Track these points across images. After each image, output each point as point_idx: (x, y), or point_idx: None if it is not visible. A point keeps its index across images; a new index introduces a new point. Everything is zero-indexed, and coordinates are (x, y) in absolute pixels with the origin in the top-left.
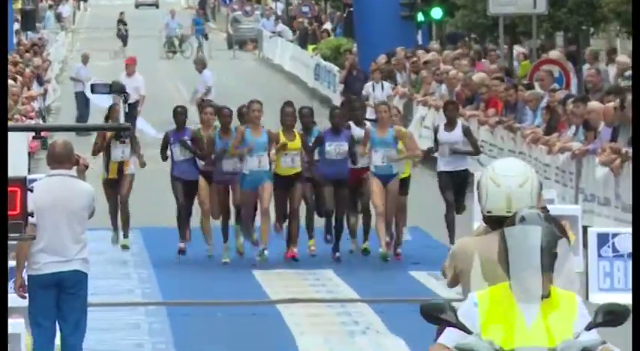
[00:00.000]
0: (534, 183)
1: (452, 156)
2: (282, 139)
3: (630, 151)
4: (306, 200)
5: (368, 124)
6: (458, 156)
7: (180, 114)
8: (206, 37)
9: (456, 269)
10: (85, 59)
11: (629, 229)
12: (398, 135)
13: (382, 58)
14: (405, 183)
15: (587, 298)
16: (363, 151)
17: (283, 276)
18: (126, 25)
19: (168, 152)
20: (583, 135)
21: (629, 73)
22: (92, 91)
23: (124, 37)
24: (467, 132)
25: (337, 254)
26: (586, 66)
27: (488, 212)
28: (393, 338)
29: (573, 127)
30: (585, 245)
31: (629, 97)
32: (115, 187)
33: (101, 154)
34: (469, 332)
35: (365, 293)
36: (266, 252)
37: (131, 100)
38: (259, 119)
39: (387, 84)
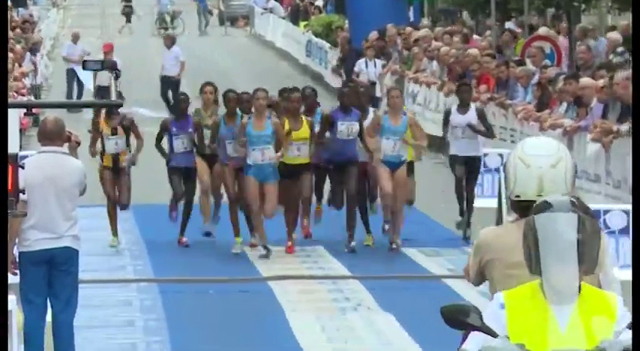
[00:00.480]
0: (568, 165)
1: (465, 140)
2: (288, 128)
3: (621, 127)
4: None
5: (372, 110)
6: (471, 141)
7: (182, 102)
8: (210, 13)
9: (482, 262)
10: (75, 38)
11: (621, 206)
12: (411, 123)
13: (374, 35)
14: (409, 167)
15: None
16: (372, 139)
17: (275, 253)
18: (130, 1)
19: (165, 143)
20: (574, 112)
21: (621, 49)
22: (84, 68)
23: (128, 15)
24: (481, 114)
25: (353, 244)
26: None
27: (516, 197)
28: (384, 315)
29: (564, 104)
30: None
31: (619, 73)
32: (112, 176)
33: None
34: (496, 336)
35: (356, 270)
36: (270, 254)
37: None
38: (264, 109)
39: (379, 61)
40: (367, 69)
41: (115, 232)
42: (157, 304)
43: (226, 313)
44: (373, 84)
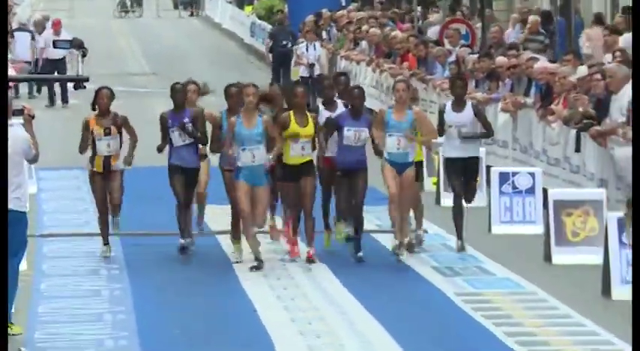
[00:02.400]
0: None
1: (462, 140)
2: (293, 125)
3: (527, 100)
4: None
5: (374, 107)
6: (469, 140)
7: (178, 92)
8: None
9: None
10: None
11: (527, 169)
12: (417, 118)
13: (310, 18)
14: (417, 168)
15: (489, 230)
16: (378, 135)
17: (227, 210)
18: None
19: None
20: (487, 86)
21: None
22: (54, 46)
23: None
24: (478, 112)
25: (360, 254)
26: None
27: None
28: (320, 265)
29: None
30: (488, 183)
31: (527, 53)
32: (102, 182)
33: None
34: None
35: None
36: (261, 267)
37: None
38: (254, 104)
39: (317, 44)
40: (307, 52)
41: (105, 241)
42: (119, 255)
43: (182, 264)
44: (312, 65)
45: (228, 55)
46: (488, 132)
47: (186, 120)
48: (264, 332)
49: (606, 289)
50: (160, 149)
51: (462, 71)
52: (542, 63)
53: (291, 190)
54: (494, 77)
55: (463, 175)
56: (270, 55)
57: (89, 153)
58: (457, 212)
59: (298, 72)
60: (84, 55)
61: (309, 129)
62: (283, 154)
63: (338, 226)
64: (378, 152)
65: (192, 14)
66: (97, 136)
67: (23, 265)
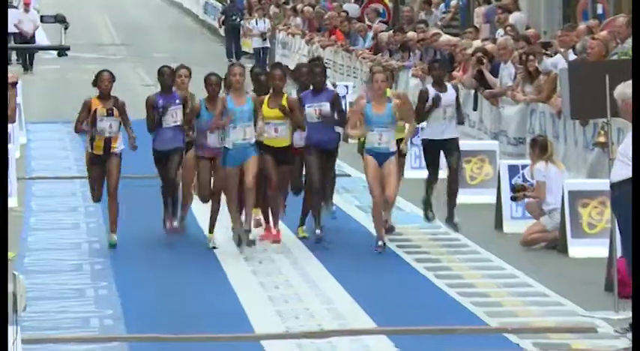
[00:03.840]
0: None
1: (444, 122)
2: (265, 108)
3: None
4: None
5: (360, 97)
6: (450, 122)
7: (165, 74)
8: None
9: None
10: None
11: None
12: (398, 109)
13: None
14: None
15: (501, 227)
16: (357, 133)
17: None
18: None
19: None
20: (400, 55)
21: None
22: (41, 21)
23: None
24: (458, 94)
25: (318, 231)
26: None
27: None
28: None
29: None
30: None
31: (433, 29)
32: (101, 165)
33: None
34: None
35: None
36: (251, 236)
37: (29, 30)
38: (241, 84)
39: (266, 19)
40: (257, 25)
41: (113, 229)
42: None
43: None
44: (264, 35)
45: (186, 29)
46: (459, 117)
47: (177, 101)
48: (240, 309)
49: (499, 224)
50: (151, 130)
51: (380, 43)
52: (446, 36)
53: (269, 165)
54: (406, 48)
55: (444, 155)
56: (223, 29)
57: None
58: (431, 183)
59: (250, 43)
60: (66, 28)
61: (278, 111)
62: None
63: (299, 230)
64: (345, 138)
65: None
66: (99, 117)
67: (15, 203)
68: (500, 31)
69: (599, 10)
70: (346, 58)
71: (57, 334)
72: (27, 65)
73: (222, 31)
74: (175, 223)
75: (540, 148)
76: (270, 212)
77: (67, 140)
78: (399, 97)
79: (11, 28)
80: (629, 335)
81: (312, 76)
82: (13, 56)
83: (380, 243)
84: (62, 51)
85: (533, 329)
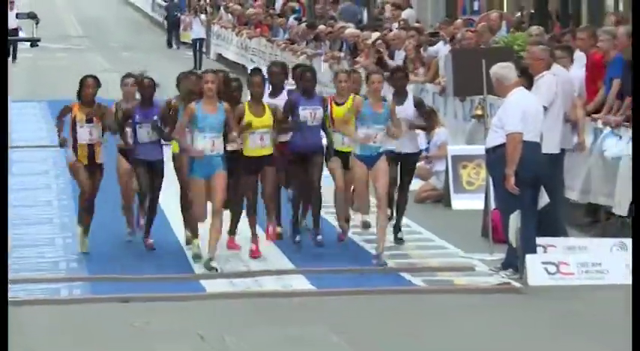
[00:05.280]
0: None
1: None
2: (248, 115)
3: (341, 55)
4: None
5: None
6: (411, 136)
7: (147, 87)
8: None
9: None
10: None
11: None
12: (393, 109)
13: None
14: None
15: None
16: (349, 130)
17: None
18: None
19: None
20: (313, 45)
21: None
22: (17, 17)
23: None
24: (419, 103)
25: (319, 237)
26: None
27: None
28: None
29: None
30: None
31: (340, 23)
32: (86, 174)
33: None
34: None
35: None
36: (214, 264)
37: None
38: (213, 92)
39: (202, 16)
40: (195, 18)
41: (85, 231)
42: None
43: None
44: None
45: (136, 23)
46: (428, 121)
47: (155, 118)
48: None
49: (447, 203)
50: (127, 144)
51: (296, 35)
52: (351, 29)
53: (251, 182)
54: (319, 39)
55: (400, 170)
56: (165, 23)
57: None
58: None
59: (189, 35)
60: (37, 23)
61: (266, 119)
62: (243, 146)
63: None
64: (330, 138)
65: None
66: (78, 123)
67: None
68: (395, 25)
69: (475, 7)
70: (268, 47)
71: (33, 275)
72: (13, 56)
73: (165, 25)
74: (151, 241)
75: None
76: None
77: (40, 116)
78: (393, 105)
79: None
80: (502, 273)
81: (304, 81)
82: None
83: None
84: (34, 42)
85: (422, 268)
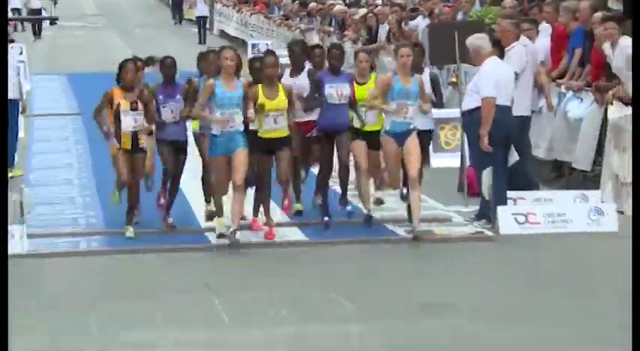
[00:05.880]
0: None
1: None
2: (261, 97)
3: (330, 29)
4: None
5: (387, 72)
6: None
7: (168, 66)
8: None
9: None
10: None
11: None
12: (420, 84)
13: None
14: (376, 137)
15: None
16: (380, 102)
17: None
18: None
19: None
20: (306, 20)
21: None
22: None
23: None
24: (434, 80)
25: (326, 218)
26: None
27: None
28: None
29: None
30: None
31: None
32: (129, 159)
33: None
34: None
35: None
36: (238, 234)
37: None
38: (232, 69)
39: None
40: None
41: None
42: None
43: None
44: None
45: (146, 3)
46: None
47: (177, 97)
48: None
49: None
50: (152, 128)
51: (289, 12)
52: (339, 6)
53: (265, 162)
54: (311, 15)
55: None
56: (170, 1)
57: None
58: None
59: (193, 13)
60: (55, 3)
61: (279, 101)
62: (258, 127)
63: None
64: (358, 116)
65: None
66: (123, 112)
67: (22, 134)
68: (379, 1)
69: None
70: (266, 23)
71: (54, 230)
72: (36, 32)
73: (169, 3)
74: (171, 220)
75: None
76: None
77: (60, 88)
78: (422, 81)
79: (20, 5)
80: (476, 223)
81: (330, 58)
82: (21, 25)
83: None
84: (53, 21)
85: (405, 220)
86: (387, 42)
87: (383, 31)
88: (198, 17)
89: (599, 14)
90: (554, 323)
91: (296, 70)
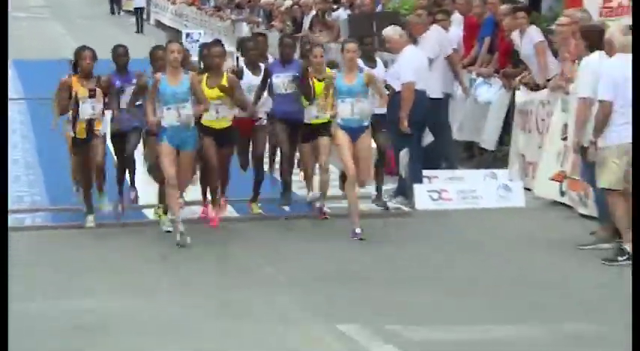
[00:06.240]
0: None
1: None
2: (204, 85)
3: (259, 19)
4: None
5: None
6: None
7: (121, 55)
8: None
9: None
10: None
11: None
12: (369, 81)
13: None
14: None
15: None
16: (325, 102)
17: None
18: None
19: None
20: (236, 12)
21: None
22: None
23: None
24: (304, 71)
25: (287, 208)
26: None
27: None
28: None
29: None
30: None
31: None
32: (84, 148)
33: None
34: None
35: None
36: (187, 238)
37: None
38: (177, 62)
39: None
40: None
41: (90, 210)
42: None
43: None
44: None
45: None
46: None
47: (134, 81)
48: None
49: None
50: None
51: (219, 4)
52: None
53: (210, 150)
54: (240, 7)
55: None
56: None
57: (65, 117)
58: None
59: (131, 4)
60: None
61: (218, 91)
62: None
63: (252, 206)
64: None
65: None
66: (81, 99)
67: None
68: None
69: None
70: (199, 14)
71: None
72: None
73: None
74: (133, 195)
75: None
76: (208, 190)
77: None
78: (371, 77)
79: None
80: (394, 200)
81: (282, 47)
82: None
83: (357, 230)
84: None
85: (330, 197)
86: (310, 31)
87: (307, 21)
88: (136, 8)
89: (506, 6)
90: (466, 287)
91: (285, 62)
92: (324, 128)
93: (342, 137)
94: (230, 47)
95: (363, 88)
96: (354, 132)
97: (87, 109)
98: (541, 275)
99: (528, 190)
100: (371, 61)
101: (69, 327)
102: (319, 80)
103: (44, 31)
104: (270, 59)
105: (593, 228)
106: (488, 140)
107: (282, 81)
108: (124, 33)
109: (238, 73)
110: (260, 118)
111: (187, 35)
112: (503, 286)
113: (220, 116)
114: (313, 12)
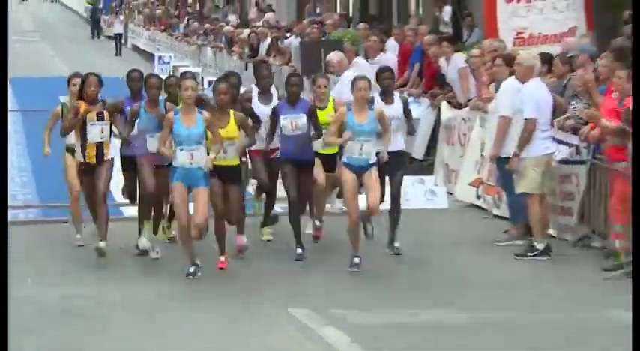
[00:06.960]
0: None
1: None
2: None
3: (226, 27)
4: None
5: (340, 105)
6: (395, 134)
7: (135, 80)
8: None
9: None
10: None
11: None
12: (379, 117)
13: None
14: (334, 160)
15: None
16: (336, 139)
17: None
18: None
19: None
20: (204, 38)
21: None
22: None
23: None
24: (405, 103)
25: (299, 251)
26: None
27: None
28: None
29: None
30: None
31: (222, 22)
32: (91, 175)
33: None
34: None
35: None
36: (199, 273)
37: None
38: (192, 100)
39: (121, 16)
40: (117, 18)
41: (102, 235)
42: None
43: None
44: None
45: (74, 22)
46: (410, 129)
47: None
48: None
49: None
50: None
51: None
52: (228, 27)
53: (215, 186)
54: (205, 34)
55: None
56: (90, 21)
57: (69, 141)
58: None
59: (111, 30)
60: None
61: (229, 130)
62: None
63: (263, 231)
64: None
65: (52, 1)
66: (89, 121)
67: None
68: (260, 23)
69: (318, 11)
70: (169, 39)
71: None
72: None
73: (90, 23)
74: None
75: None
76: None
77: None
78: (381, 115)
79: None
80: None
81: (289, 86)
82: None
83: (356, 259)
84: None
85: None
86: (267, 56)
87: (263, 47)
88: (115, 34)
89: (430, 36)
90: (399, 277)
91: (293, 101)
92: (330, 163)
93: (348, 177)
94: (196, 68)
95: (373, 127)
96: (358, 170)
97: (96, 132)
98: (462, 267)
99: (451, 194)
100: (387, 96)
101: (57, 311)
102: (321, 109)
103: (36, 53)
104: (274, 99)
105: (505, 227)
106: (418, 151)
107: (289, 122)
108: (104, 55)
109: (248, 110)
110: (277, 149)
111: (159, 58)
112: (430, 276)
113: (228, 156)
114: (268, 40)
